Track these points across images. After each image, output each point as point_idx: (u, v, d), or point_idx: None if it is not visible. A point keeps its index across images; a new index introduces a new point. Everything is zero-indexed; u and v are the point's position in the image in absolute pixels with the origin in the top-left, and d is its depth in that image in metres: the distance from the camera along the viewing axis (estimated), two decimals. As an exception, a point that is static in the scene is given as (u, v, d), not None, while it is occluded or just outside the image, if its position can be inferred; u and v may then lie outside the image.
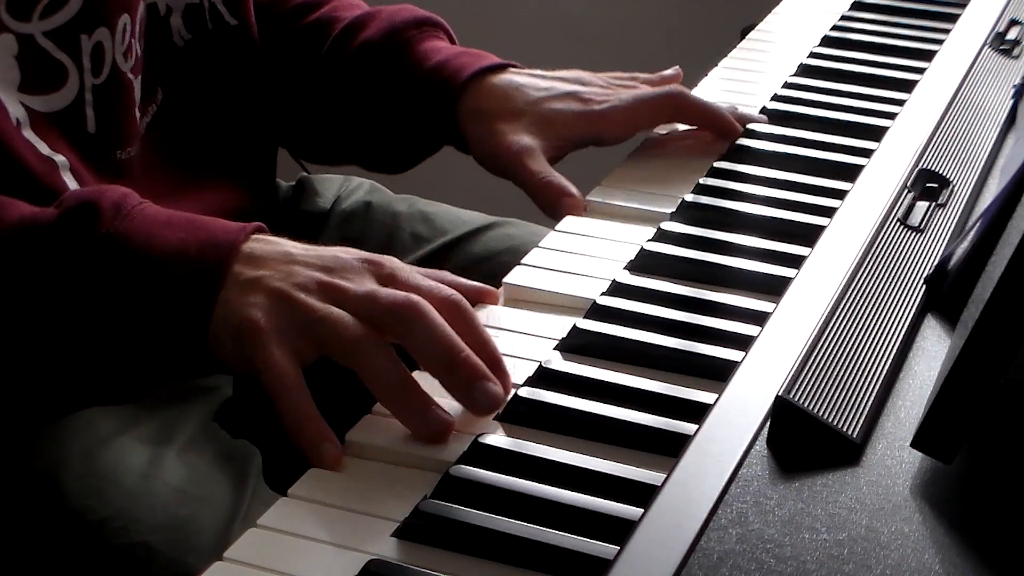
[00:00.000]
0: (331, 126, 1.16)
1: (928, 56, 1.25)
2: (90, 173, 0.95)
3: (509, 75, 1.10)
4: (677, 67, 1.18)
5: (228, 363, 0.81)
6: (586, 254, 0.95)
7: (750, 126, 1.13)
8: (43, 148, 0.92)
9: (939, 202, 0.93)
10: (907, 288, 0.83)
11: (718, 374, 0.78)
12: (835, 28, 1.36)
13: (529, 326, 0.87)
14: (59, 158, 0.93)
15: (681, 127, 1.14)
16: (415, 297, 0.78)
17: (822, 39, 1.33)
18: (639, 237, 0.97)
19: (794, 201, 1.01)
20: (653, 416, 0.77)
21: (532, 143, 1.06)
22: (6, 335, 0.83)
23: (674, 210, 1.01)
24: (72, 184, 0.93)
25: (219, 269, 0.80)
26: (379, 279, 0.81)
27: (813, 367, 0.74)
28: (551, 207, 1.03)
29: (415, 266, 0.85)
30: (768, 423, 0.71)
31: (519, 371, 0.81)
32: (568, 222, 1.00)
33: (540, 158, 1.06)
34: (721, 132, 1.11)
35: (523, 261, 0.95)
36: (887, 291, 0.82)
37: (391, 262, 0.83)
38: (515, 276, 0.93)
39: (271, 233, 0.85)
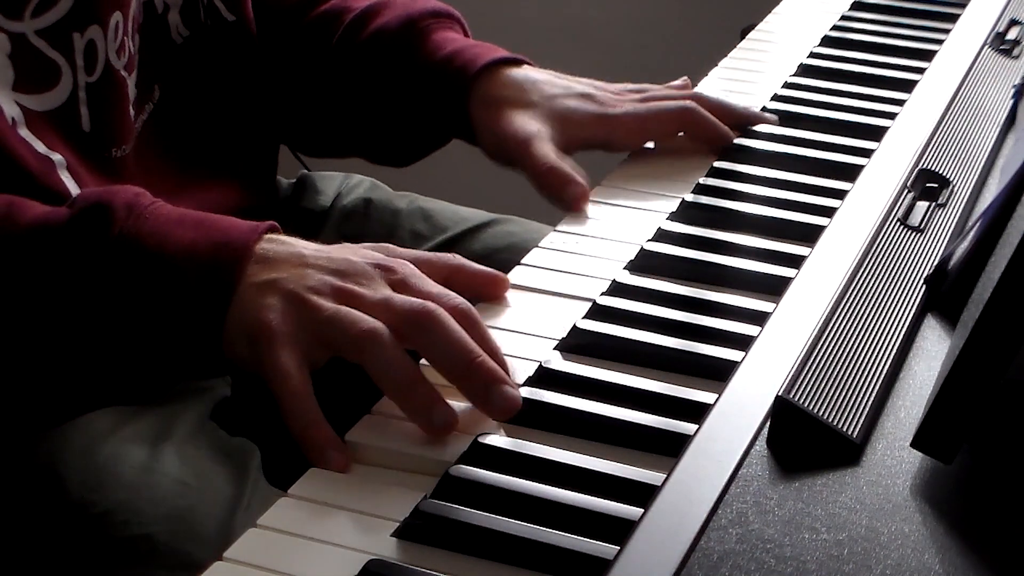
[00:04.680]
0: (338, 117, 1.15)
1: (928, 56, 1.25)
2: (86, 171, 0.95)
3: (526, 70, 1.10)
4: (685, 78, 1.17)
5: (240, 364, 0.81)
6: (586, 254, 0.96)
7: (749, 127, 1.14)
8: (39, 147, 0.92)
9: (939, 202, 0.93)
10: (907, 288, 0.83)
11: (718, 374, 0.78)
12: (835, 28, 1.36)
13: (529, 326, 0.87)
14: (56, 156, 0.93)
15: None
16: (430, 304, 0.79)
17: (822, 39, 1.33)
18: (639, 237, 0.97)
19: (794, 201, 1.01)
20: (653, 416, 0.77)
21: (541, 129, 1.05)
22: (17, 335, 0.83)
23: (674, 210, 1.01)
24: (70, 183, 0.93)
25: (232, 270, 0.80)
26: (392, 284, 0.82)
27: (813, 367, 0.74)
28: (556, 196, 1.02)
29: (425, 252, 0.86)
30: (768, 423, 0.71)
31: (519, 371, 0.81)
32: (568, 222, 1.00)
33: (547, 144, 1.04)
34: (719, 148, 1.10)
35: (523, 261, 0.95)
36: (887, 291, 0.82)
37: (403, 267, 0.83)
38: (515, 276, 0.93)
39: (283, 232, 0.85)
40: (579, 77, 1.12)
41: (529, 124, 1.05)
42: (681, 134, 1.11)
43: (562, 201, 1.02)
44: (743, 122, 1.13)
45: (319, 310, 0.79)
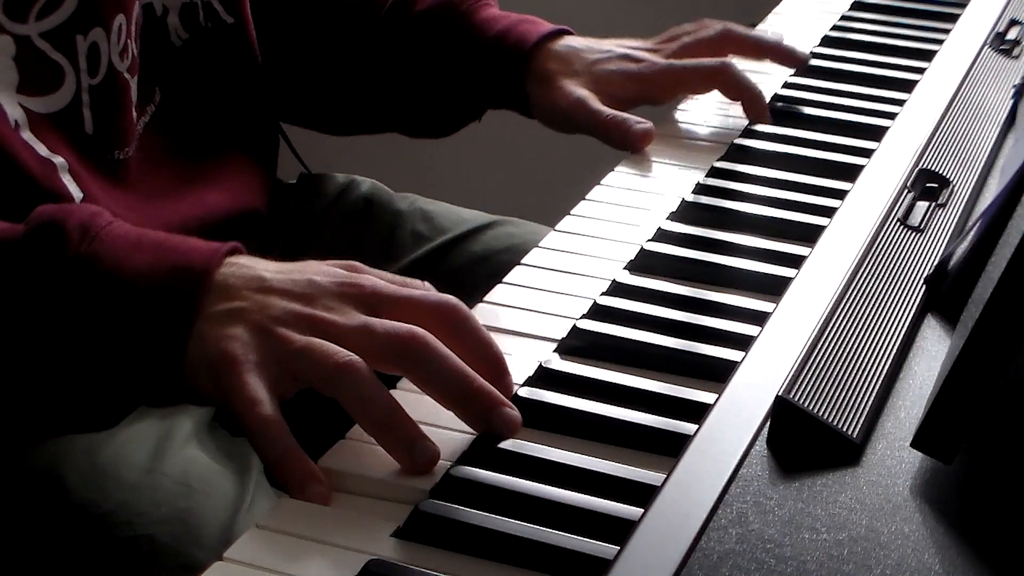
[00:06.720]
0: (380, 93, 1.21)
1: (928, 56, 1.25)
2: (89, 174, 0.95)
3: (568, 40, 1.19)
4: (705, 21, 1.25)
5: (205, 394, 0.77)
6: (586, 254, 0.96)
7: (750, 127, 1.13)
8: (42, 150, 0.92)
9: (939, 202, 0.93)
10: (907, 288, 0.83)
11: (718, 374, 0.78)
12: (835, 28, 1.36)
13: (529, 326, 0.87)
14: (58, 159, 0.93)
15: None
16: (417, 330, 0.75)
17: (822, 39, 1.33)
18: (639, 237, 0.97)
19: (794, 201, 1.01)
20: (653, 416, 0.77)
21: (589, 93, 1.14)
22: None
23: (674, 210, 1.01)
24: (72, 186, 0.93)
25: (192, 299, 0.77)
26: (363, 303, 0.78)
27: (813, 367, 0.74)
28: (624, 141, 1.11)
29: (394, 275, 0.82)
30: (768, 423, 0.71)
31: (519, 371, 0.81)
32: (568, 222, 1.00)
33: (598, 102, 1.13)
34: (753, 112, 1.16)
35: (523, 261, 0.95)
36: (887, 291, 0.82)
37: (370, 281, 0.79)
38: (515, 276, 0.93)
39: (246, 253, 0.82)
40: (618, 38, 1.22)
41: (578, 90, 1.14)
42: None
43: (630, 141, 1.10)
44: (777, 55, 1.22)
45: (288, 342, 0.75)
